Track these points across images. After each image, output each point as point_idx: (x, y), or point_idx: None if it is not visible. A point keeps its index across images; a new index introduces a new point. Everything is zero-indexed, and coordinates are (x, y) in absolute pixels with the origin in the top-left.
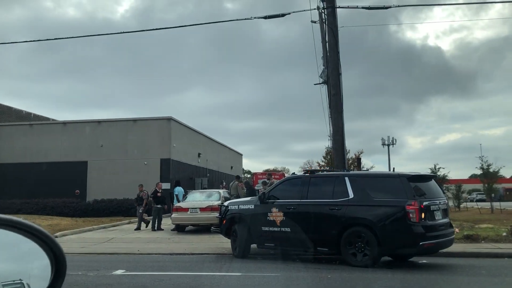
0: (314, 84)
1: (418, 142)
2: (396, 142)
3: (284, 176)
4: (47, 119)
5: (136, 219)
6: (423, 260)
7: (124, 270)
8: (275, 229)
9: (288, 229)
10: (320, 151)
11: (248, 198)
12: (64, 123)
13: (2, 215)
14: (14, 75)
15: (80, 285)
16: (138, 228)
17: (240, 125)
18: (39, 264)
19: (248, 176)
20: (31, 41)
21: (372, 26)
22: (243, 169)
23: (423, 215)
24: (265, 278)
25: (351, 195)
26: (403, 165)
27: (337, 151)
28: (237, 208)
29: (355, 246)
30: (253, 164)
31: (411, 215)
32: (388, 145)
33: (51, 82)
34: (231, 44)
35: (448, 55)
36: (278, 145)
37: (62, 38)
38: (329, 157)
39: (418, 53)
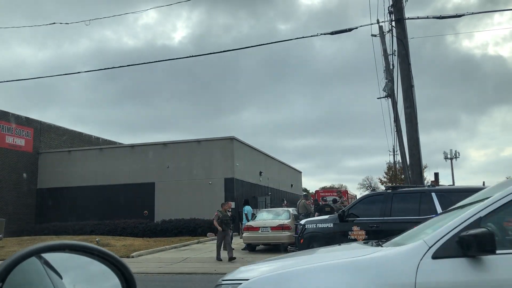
0: (377, 98)
1: (481, 155)
2: (459, 155)
3: (347, 193)
4: (114, 143)
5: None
6: None
7: None
8: None
9: None
10: (377, 167)
11: (326, 217)
12: (132, 146)
13: (71, 241)
14: (81, 103)
15: None
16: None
17: (295, 143)
18: (109, 284)
19: (304, 193)
20: (95, 70)
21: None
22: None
23: None
24: None
25: (439, 211)
26: (468, 179)
27: (413, 166)
28: (315, 226)
29: None
30: (309, 181)
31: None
32: (451, 159)
33: (115, 108)
34: (283, 64)
35: (510, 62)
36: (333, 162)
37: (124, 66)
38: (391, 172)
39: (477, 62)
